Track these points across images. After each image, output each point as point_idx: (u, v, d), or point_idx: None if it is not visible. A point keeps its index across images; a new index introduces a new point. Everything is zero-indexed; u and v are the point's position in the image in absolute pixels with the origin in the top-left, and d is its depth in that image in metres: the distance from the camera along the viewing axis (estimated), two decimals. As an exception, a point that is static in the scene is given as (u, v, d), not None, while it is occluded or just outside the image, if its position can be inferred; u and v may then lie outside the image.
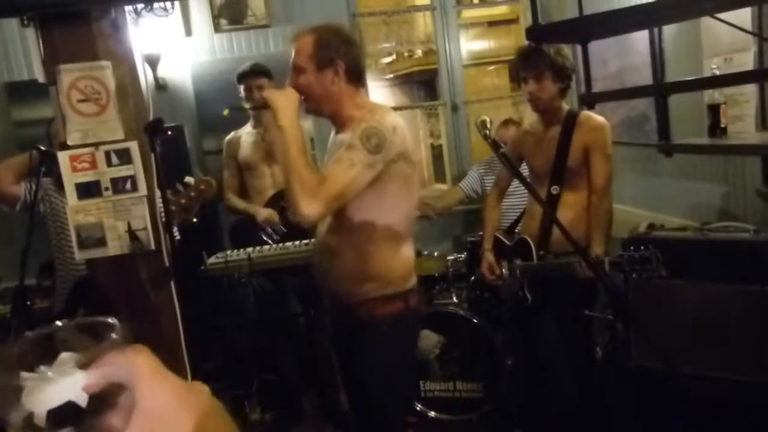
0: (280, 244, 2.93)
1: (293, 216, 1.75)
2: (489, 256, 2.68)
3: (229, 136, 3.34)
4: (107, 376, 0.41)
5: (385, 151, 1.74)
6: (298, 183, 1.67)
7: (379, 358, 1.90)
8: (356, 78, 1.88)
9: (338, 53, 1.83)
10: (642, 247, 2.10)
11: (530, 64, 2.44)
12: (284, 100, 1.77)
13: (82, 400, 0.41)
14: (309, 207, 1.67)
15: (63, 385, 0.41)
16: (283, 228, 3.10)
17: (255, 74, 3.19)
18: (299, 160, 1.70)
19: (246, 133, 3.30)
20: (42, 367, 0.41)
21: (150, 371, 0.42)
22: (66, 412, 0.40)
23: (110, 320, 0.46)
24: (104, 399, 0.41)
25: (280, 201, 3.19)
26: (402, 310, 1.91)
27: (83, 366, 0.42)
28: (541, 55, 2.40)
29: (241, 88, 3.19)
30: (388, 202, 1.83)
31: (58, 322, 0.45)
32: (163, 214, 2.08)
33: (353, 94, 1.89)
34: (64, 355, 0.42)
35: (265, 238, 3.08)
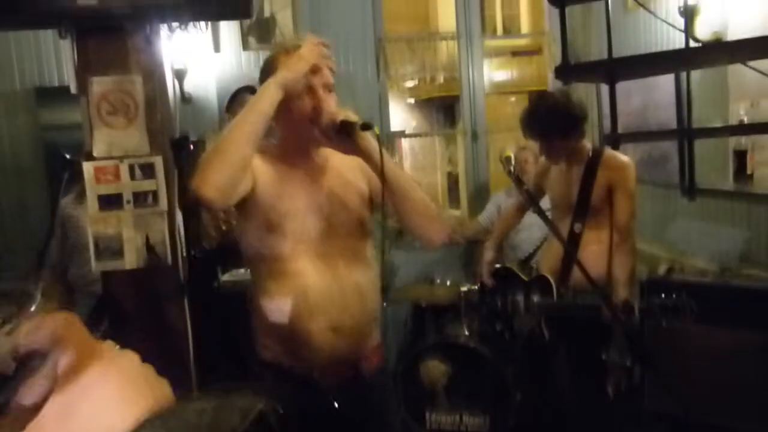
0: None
1: (434, 239, 1.58)
2: (489, 257, 2.64)
3: None
4: (31, 343, 0.42)
5: None
6: (431, 208, 1.57)
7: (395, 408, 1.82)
8: None
9: None
10: (674, 295, 2.06)
11: (536, 133, 2.42)
12: None
13: (8, 367, 0.42)
14: (445, 228, 1.61)
15: None
16: None
17: (252, 92, 3.23)
18: (412, 181, 1.59)
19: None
20: None
21: (72, 339, 0.43)
22: None
23: (32, 288, 0.47)
24: (27, 366, 0.42)
25: None
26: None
27: (8, 333, 0.42)
28: (547, 122, 2.36)
29: (237, 103, 3.21)
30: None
31: None
32: (181, 230, 2.09)
33: None
34: None
35: None
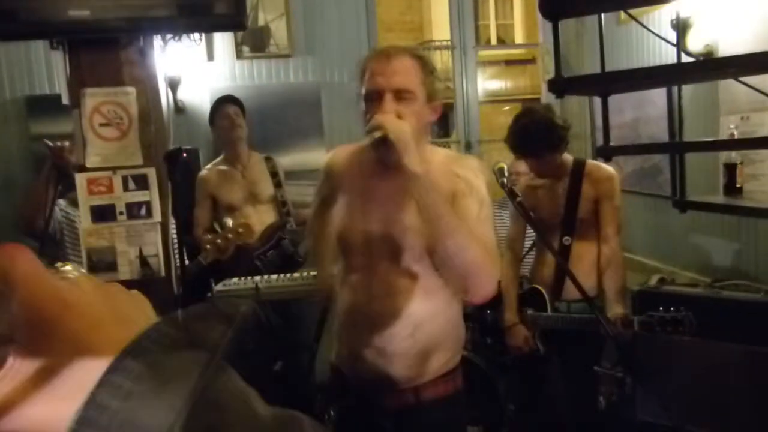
0: (288, 275, 2.92)
1: (474, 297, 1.43)
2: (522, 330, 2.57)
3: (202, 173, 3.22)
4: None
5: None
6: (485, 255, 1.35)
7: None
8: None
9: (439, 88, 1.52)
10: (672, 308, 2.08)
11: (526, 151, 2.43)
12: (407, 133, 1.35)
13: None
14: (492, 284, 1.39)
15: None
16: (278, 260, 3.10)
17: (232, 102, 3.22)
18: (460, 221, 1.36)
19: (221, 171, 3.19)
20: None
21: (28, 269, 0.35)
22: None
23: None
24: None
25: (278, 231, 3.19)
26: (462, 384, 1.63)
27: None
28: (536, 138, 2.37)
29: (217, 116, 3.20)
30: None
31: None
32: (175, 242, 2.09)
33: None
34: None
35: (259, 266, 3.06)
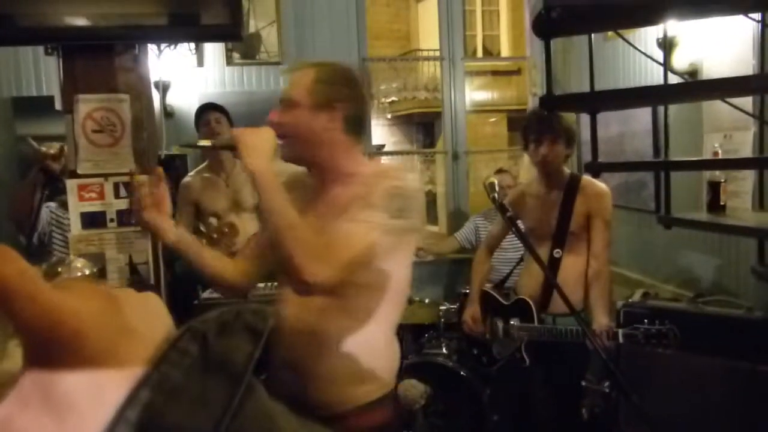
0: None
1: (296, 283, 1.39)
2: (476, 307, 2.66)
3: (186, 179, 3.16)
4: None
5: (408, 216, 1.44)
6: (298, 243, 1.33)
7: None
8: (355, 129, 1.55)
9: (338, 96, 1.50)
10: (657, 321, 2.12)
11: (547, 128, 2.46)
12: (256, 139, 1.42)
13: None
14: (316, 270, 1.32)
15: None
16: None
17: (214, 109, 3.17)
18: (291, 213, 1.36)
19: (205, 178, 3.15)
20: None
21: (23, 289, 0.30)
22: None
23: None
24: None
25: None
26: (393, 415, 1.55)
27: None
28: (556, 120, 2.44)
29: (200, 123, 3.13)
30: (397, 277, 1.49)
31: None
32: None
33: (350, 148, 1.54)
34: None
35: None
